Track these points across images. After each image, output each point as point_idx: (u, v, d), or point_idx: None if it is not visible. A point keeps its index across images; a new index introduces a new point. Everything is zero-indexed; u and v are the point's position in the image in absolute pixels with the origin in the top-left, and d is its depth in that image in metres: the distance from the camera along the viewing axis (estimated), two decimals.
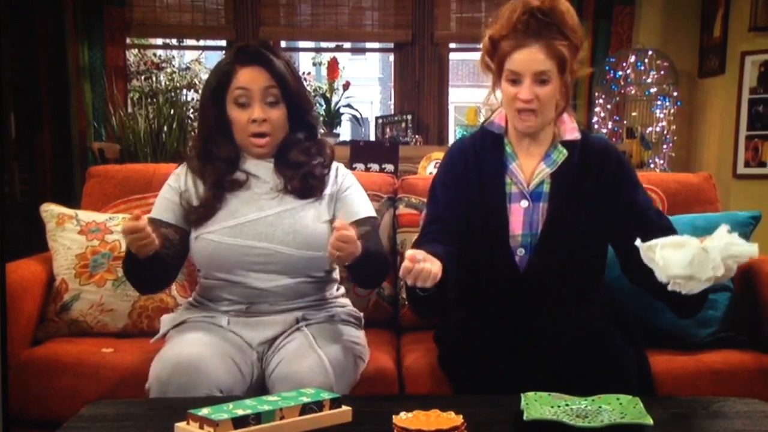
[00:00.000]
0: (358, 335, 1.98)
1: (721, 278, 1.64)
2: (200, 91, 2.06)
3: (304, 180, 1.93)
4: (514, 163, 1.92)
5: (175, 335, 1.89)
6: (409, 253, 1.61)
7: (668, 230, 1.89)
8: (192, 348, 1.75)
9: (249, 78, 1.90)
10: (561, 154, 1.91)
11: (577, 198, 1.89)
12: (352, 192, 2.01)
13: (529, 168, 1.92)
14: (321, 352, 1.77)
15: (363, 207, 2.00)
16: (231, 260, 1.88)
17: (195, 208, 1.92)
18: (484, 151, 1.94)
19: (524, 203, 1.90)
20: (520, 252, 1.89)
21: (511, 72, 1.82)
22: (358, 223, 1.93)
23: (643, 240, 1.67)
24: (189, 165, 1.99)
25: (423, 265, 1.59)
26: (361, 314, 2.08)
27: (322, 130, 2.08)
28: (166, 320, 1.99)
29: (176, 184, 1.98)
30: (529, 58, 1.79)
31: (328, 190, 1.97)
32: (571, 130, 1.93)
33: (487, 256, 1.89)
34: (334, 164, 2.03)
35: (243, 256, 1.88)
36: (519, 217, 1.89)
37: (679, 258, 1.62)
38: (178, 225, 1.94)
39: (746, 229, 2.27)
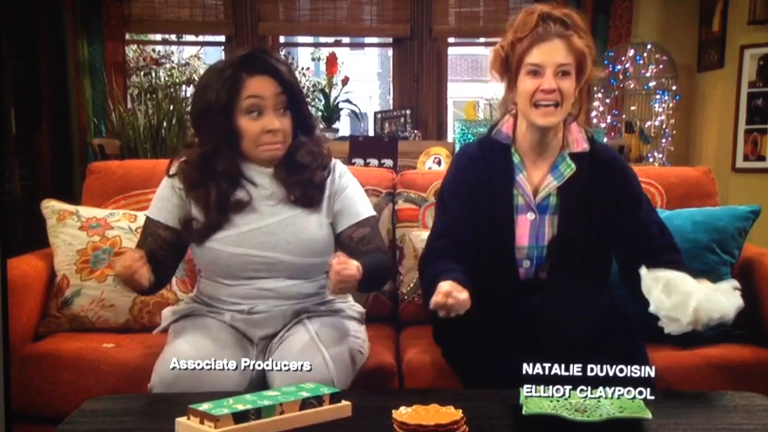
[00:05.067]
0: (359, 330, 1.98)
1: (695, 326, 1.68)
2: (200, 102, 1.91)
3: (304, 190, 1.90)
4: (521, 174, 1.91)
5: (177, 331, 1.89)
6: (443, 288, 1.62)
7: (670, 248, 1.90)
8: (196, 351, 1.75)
9: (260, 86, 1.84)
10: (569, 168, 1.90)
11: (585, 212, 1.89)
12: (350, 192, 1.97)
13: (536, 180, 1.91)
14: (324, 351, 1.78)
15: (362, 207, 1.97)
16: (233, 268, 1.89)
17: (198, 227, 1.89)
18: (493, 161, 1.93)
19: (531, 215, 1.90)
20: (526, 264, 1.90)
21: (533, 65, 1.82)
22: (358, 225, 1.93)
23: (646, 260, 1.74)
24: (185, 178, 1.91)
25: (456, 298, 1.62)
26: (363, 310, 2.08)
27: (321, 125, 2.06)
28: (167, 313, 1.99)
29: (178, 192, 1.93)
30: (552, 50, 1.81)
31: (326, 192, 1.95)
32: (579, 142, 1.92)
33: (492, 266, 1.90)
34: (332, 161, 2.00)
35: (246, 265, 1.88)
36: (525, 229, 1.89)
37: (669, 299, 1.68)
38: (177, 228, 1.92)
39: (746, 223, 2.27)
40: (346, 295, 2.02)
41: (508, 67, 1.88)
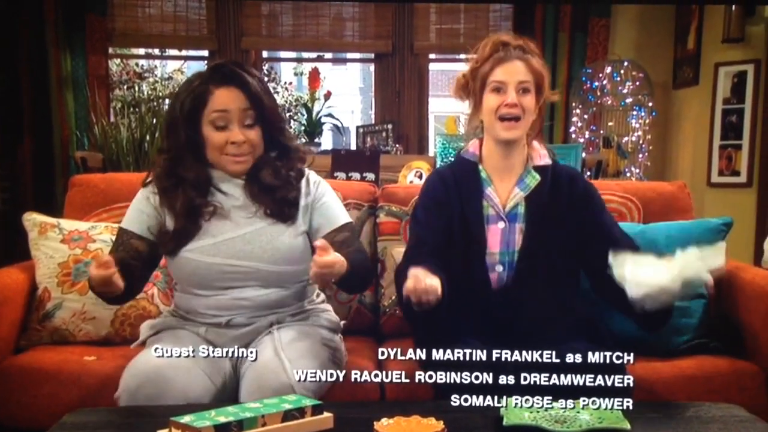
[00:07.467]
0: (332, 338, 1.99)
1: (684, 292, 1.72)
2: (169, 109, 1.98)
3: (278, 206, 1.92)
4: (489, 187, 2.01)
5: (151, 344, 1.88)
6: (413, 272, 1.66)
7: (632, 249, 1.94)
8: (161, 359, 1.73)
9: (226, 99, 1.86)
10: (534, 179, 2.01)
11: (550, 218, 1.98)
12: (327, 200, 2.00)
13: (504, 192, 2.01)
14: (284, 358, 1.78)
15: (340, 214, 2.00)
16: (210, 278, 1.89)
17: (170, 236, 1.90)
18: (462, 179, 2.03)
19: (501, 224, 1.99)
20: (499, 269, 1.97)
21: (496, 82, 1.95)
22: (337, 231, 1.95)
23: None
24: (158, 186, 1.93)
25: (426, 283, 1.65)
26: (340, 322, 2.08)
27: (304, 140, 2.08)
28: (145, 327, 1.99)
29: (152, 202, 1.94)
30: (513, 69, 1.96)
31: (302, 202, 1.96)
32: (542, 157, 2.05)
33: (466, 274, 1.95)
34: (305, 171, 2.01)
35: (222, 274, 1.89)
36: (496, 237, 1.98)
37: (644, 272, 1.70)
38: (149, 238, 1.93)
39: (719, 236, 2.30)
40: (330, 288, 2.02)
41: (472, 90, 2.02)
